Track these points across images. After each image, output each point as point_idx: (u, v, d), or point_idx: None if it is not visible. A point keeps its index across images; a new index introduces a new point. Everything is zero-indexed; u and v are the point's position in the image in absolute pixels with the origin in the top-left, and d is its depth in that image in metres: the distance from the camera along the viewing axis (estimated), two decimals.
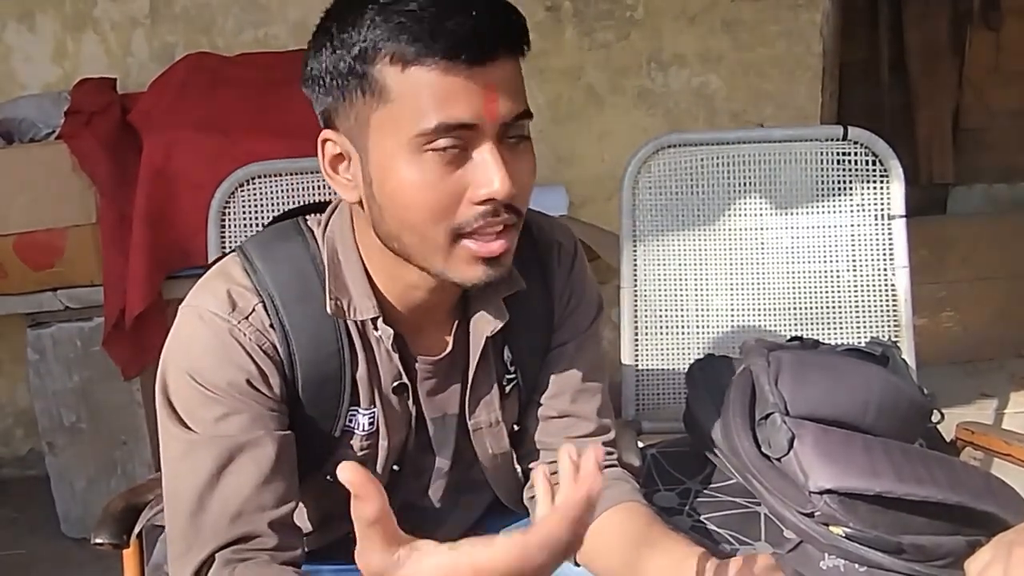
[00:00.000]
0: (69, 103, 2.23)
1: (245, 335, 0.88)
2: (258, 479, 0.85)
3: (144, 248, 2.02)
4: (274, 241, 0.95)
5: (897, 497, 1.07)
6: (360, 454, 0.96)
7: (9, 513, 2.43)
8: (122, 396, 2.20)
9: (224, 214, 1.48)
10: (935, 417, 1.34)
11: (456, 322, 0.97)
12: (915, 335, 1.60)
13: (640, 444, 1.44)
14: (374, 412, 0.95)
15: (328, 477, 0.97)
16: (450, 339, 0.97)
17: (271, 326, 0.89)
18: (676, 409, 1.54)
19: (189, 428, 0.87)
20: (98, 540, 1.11)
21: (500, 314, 0.96)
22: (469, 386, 0.98)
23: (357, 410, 0.94)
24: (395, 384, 0.94)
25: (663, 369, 1.61)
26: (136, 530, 1.13)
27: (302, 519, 1.02)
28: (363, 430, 0.95)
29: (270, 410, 0.88)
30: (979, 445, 1.31)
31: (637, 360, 1.62)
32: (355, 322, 0.92)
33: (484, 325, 0.95)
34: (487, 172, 0.80)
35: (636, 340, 1.61)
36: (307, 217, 0.97)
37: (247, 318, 0.88)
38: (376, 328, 0.92)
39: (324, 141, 0.87)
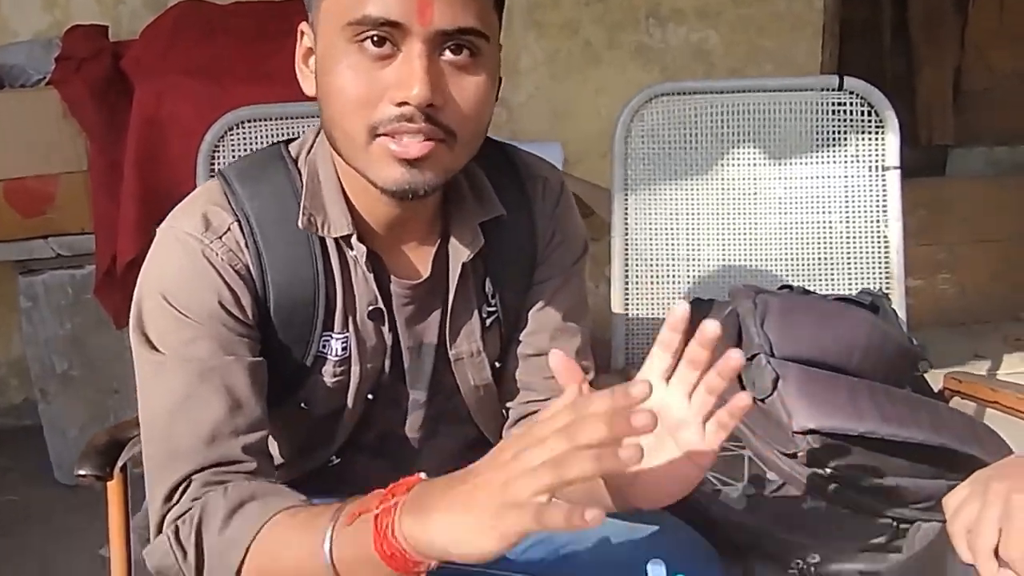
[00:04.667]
0: (60, 50, 2.21)
1: (217, 255, 0.87)
2: (229, 404, 0.85)
3: (135, 195, 2.01)
4: (254, 165, 0.94)
5: (880, 438, 1.07)
6: (332, 381, 0.95)
7: (3, 462, 2.44)
8: (114, 344, 2.20)
9: (213, 158, 1.47)
10: (923, 367, 1.34)
11: (435, 249, 0.96)
12: (911, 297, 1.59)
13: None
14: (347, 337, 0.94)
15: (302, 405, 0.97)
16: (428, 265, 0.96)
17: (245, 246, 0.88)
18: None
19: (160, 351, 0.86)
20: (81, 472, 1.11)
21: (476, 239, 0.95)
22: (449, 314, 0.97)
23: (331, 335, 0.94)
24: (370, 309, 0.94)
25: (653, 318, 1.61)
26: (120, 463, 1.13)
27: (275, 450, 1.02)
28: (336, 356, 0.94)
29: (240, 336, 0.88)
30: (966, 394, 1.30)
31: (627, 310, 1.61)
32: (332, 241, 0.91)
33: (461, 250, 0.95)
34: (407, 75, 0.79)
35: (626, 289, 1.61)
36: (290, 143, 0.97)
37: (220, 237, 0.88)
38: (351, 247, 0.91)
39: (301, 34, 0.88)
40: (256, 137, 1.47)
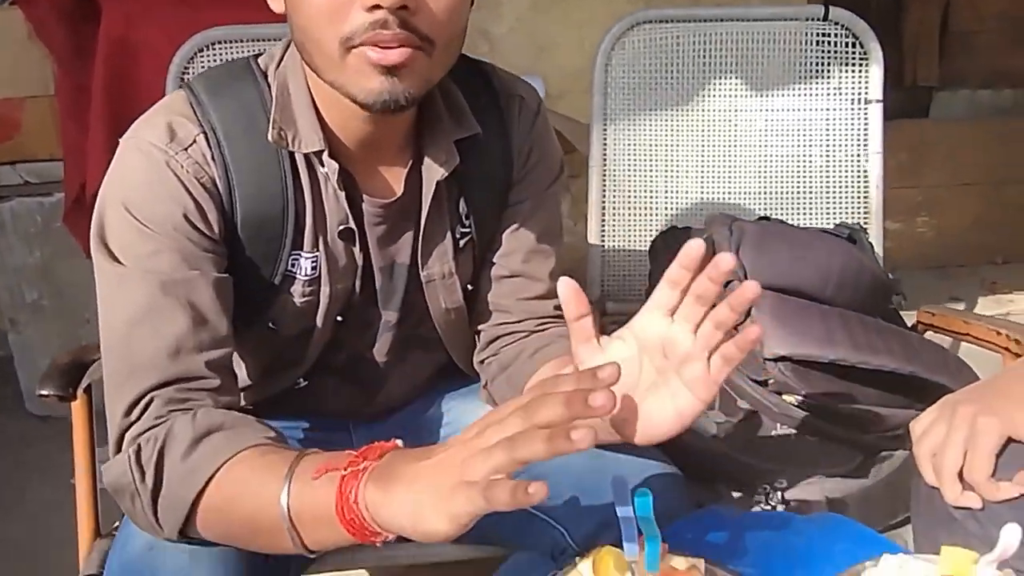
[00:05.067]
0: None
1: (183, 167, 0.85)
2: (193, 319, 0.83)
3: (103, 121, 1.95)
4: (222, 77, 0.91)
5: (851, 365, 1.07)
6: (301, 301, 0.94)
7: None
8: (84, 273, 2.13)
9: (183, 81, 1.43)
10: (897, 300, 1.34)
11: (409, 167, 0.94)
12: (890, 239, 1.59)
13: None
14: (317, 256, 0.92)
15: (270, 324, 0.95)
16: (401, 183, 0.93)
17: (212, 159, 0.86)
18: (641, 291, 1.53)
19: (122, 263, 0.84)
20: (43, 392, 1.10)
21: (451, 158, 0.93)
22: (422, 234, 0.95)
23: (300, 254, 0.92)
24: (341, 228, 0.91)
25: (630, 250, 1.60)
26: (83, 383, 1.12)
27: (242, 372, 1.00)
28: (305, 275, 0.92)
29: (205, 250, 0.85)
30: (939, 327, 1.30)
31: (604, 241, 1.60)
32: (302, 157, 0.89)
33: (435, 169, 0.92)
34: None
35: (603, 220, 1.59)
36: (259, 56, 0.93)
37: (186, 149, 0.85)
38: (322, 163, 0.88)
39: None
40: (226, 59, 1.43)
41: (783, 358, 1.07)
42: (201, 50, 1.44)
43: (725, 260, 0.74)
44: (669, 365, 0.77)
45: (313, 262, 0.92)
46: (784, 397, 1.10)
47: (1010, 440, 0.84)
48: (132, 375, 0.82)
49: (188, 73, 1.44)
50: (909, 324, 1.39)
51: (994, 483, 0.83)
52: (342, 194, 0.90)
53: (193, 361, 0.83)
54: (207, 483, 0.76)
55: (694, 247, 0.75)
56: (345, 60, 0.79)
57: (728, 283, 1.12)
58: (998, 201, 2.88)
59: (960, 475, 0.85)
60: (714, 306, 0.77)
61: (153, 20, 1.97)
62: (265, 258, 0.91)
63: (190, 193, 0.85)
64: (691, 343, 0.76)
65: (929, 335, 1.39)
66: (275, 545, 0.73)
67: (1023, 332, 1.15)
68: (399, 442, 0.72)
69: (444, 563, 1.13)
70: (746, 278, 1.12)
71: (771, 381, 1.09)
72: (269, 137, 0.86)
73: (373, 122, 0.87)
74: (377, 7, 0.76)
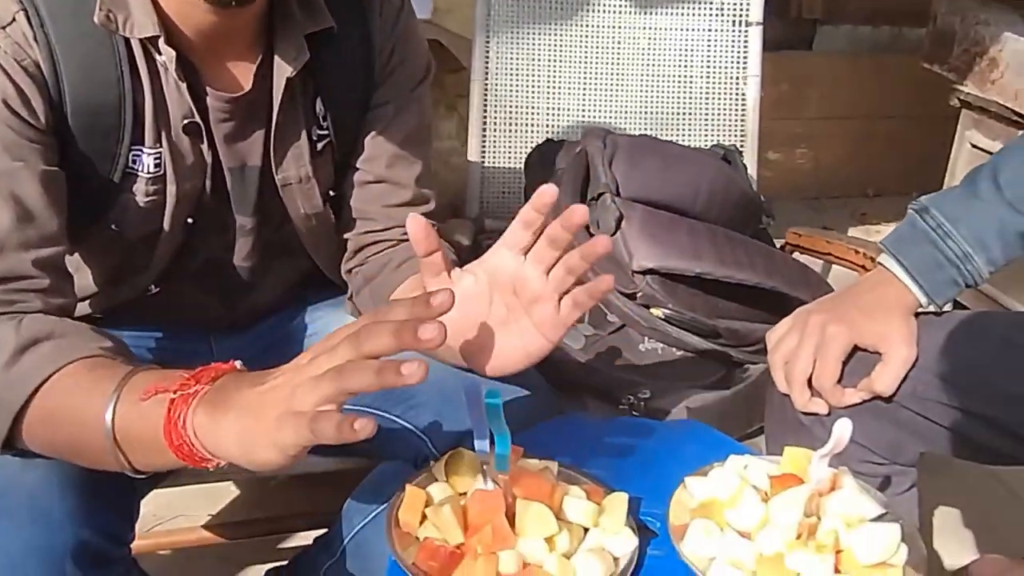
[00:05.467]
0: None
1: (1, 47, 0.77)
2: (18, 214, 0.77)
3: None
4: None
5: (716, 279, 1.09)
6: (146, 201, 0.88)
7: None
8: None
9: None
10: (767, 221, 1.37)
11: (259, 60, 0.88)
12: (769, 168, 1.62)
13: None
14: (160, 153, 0.86)
15: (113, 226, 0.89)
16: (250, 78, 0.88)
17: (34, 40, 0.78)
18: (519, 207, 1.52)
19: None
20: None
21: (302, 53, 0.88)
22: (273, 134, 0.90)
23: (141, 149, 0.86)
24: (185, 122, 0.86)
25: (509, 167, 1.58)
26: None
27: (86, 278, 0.94)
28: (148, 172, 0.87)
29: (30, 140, 0.78)
30: (805, 247, 1.34)
31: (483, 157, 1.57)
32: (138, 44, 0.82)
33: (285, 64, 0.87)
34: None
35: (484, 135, 1.56)
36: None
37: (4, 28, 0.77)
38: (159, 51, 0.82)
39: None
40: None
41: (651, 271, 1.08)
42: None
43: (579, 212, 0.74)
44: (519, 303, 0.77)
45: (156, 159, 0.86)
46: (652, 311, 1.11)
47: (856, 349, 0.87)
48: None
49: None
50: (779, 245, 1.43)
51: (840, 390, 0.87)
52: (183, 85, 0.84)
53: (18, 259, 0.76)
54: (32, 395, 0.71)
55: (547, 192, 0.74)
56: None
57: (600, 195, 1.13)
58: (872, 135, 2.97)
59: (810, 383, 0.88)
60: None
61: None
62: (102, 153, 0.84)
63: (10, 77, 0.77)
64: (542, 284, 0.76)
65: (796, 256, 1.43)
66: (101, 463, 0.70)
67: (879, 252, 1.19)
68: (238, 364, 0.69)
69: (310, 474, 1.12)
70: (618, 191, 1.11)
71: (639, 294, 1.10)
72: (96, 19, 0.79)
73: (214, 12, 0.81)
74: None
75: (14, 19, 0.78)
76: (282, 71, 0.88)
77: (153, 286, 0.97)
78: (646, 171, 1.14)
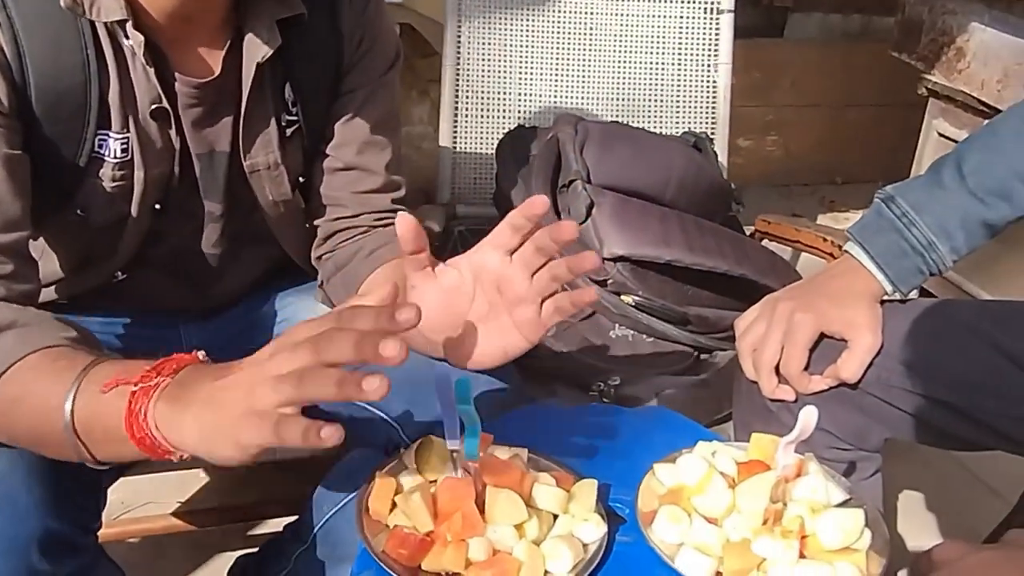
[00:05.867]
0: None
1: None
2: None
3: None
4: None
5: (686, 266, 1.09)
6: (112, 186, 0.87)
7: None
8: None
9: None
10: (736, 208, 1.38)
11: (228, 46, 0.87)
12: (740, 156, 1.63)
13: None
14: (128, 138, 0.85)
15: (79, 211, 0.88)
16: (218, 63, 0.87)
17: None
18: (491, 193, 1.52)
19: None
20: None
21: (272, 38, 0.87)
22: (243, 119, 0.89)
23: (107, 134, 0.84)
24: (153, 108, 0.85)
25: (481, 153, 1.57)
26: None
27: (52, 264, 0.93)
28: (114, 158, 0.85)
29: None
30: (773, 234, 1.35)
31: (455, 143, 1.57)
32: (104, 29, 0.81)
33: (256, 49, 0.86)
34: None
35: (455, 121, 1.56)
36: None
37: None
38: (127, 35, 0.81)
39: None
40: None
41: (622, 258, 1.08)
42: None
43: (568, 229, 0.74)
44: (501, 302, 0.77)
45: (123, 144, 0.85)
46: (622, 298, 1.12)
47: (823, 336, 0.88)
48: None
49: None
50: (748, 232, 1.44)
51: (806, 376, 0.88)
52: (151, 70, 0.82)
53: None
54: None
55: (538, 203, 0.74)
56: None
57: (571, 182, 1.13)
58: (841, 123, 3.00)
59: (777, 369, 0.89)
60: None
61: None
62: (67, 137, 0.83)
63: None
64: (526, 287, 0.76)
65: (766, 243, 1.45)
66: (61, 454, 0.69)
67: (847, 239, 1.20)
68: (201, 355, 0.68)
69: (280, 461, 1.11)
70: (588, 178, 1.12)
71: (610, 281, 1.10)
72: (62, 2, 0.78)
73: None
74: None
75: None
76: (252, 56, 0.87)
77: (120, 272, 0.96)
78: (618, 158, 1.14)
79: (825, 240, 1.21)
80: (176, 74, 0.85)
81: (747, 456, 0.72)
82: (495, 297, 0.78)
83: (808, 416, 0.66)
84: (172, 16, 0.82)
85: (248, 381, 0.61)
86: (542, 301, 0.77)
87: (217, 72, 0.87)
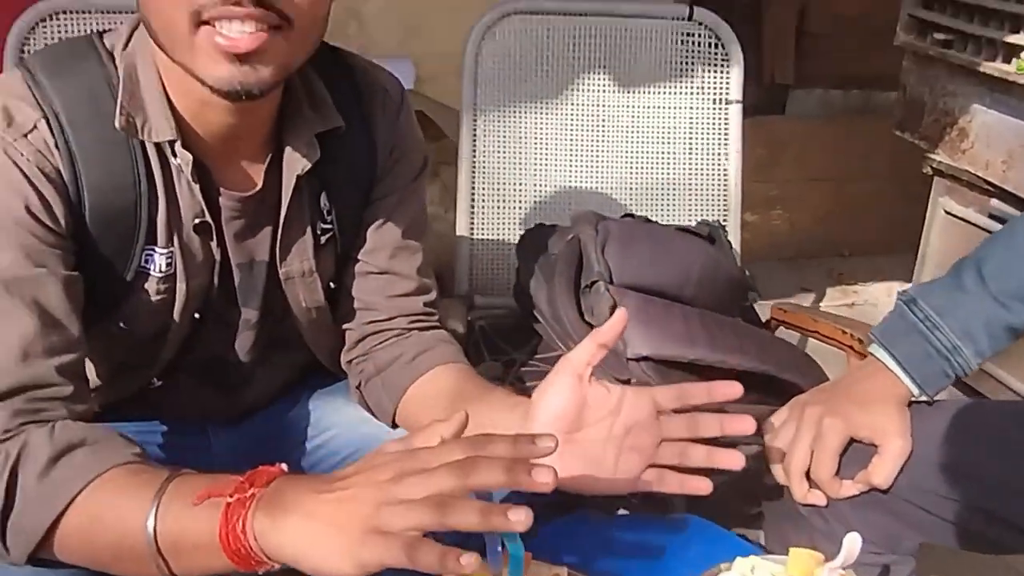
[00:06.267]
0: None
1: (23, 155, 0.78)
2: (41, 320, 0.77)
3: None
4: (63, 56, 0.84)
5: (709, 364, 1.10)
6: (156, 299, 0.89)
7: None
8: None
9: (23, 54, 1.33)
10: (753, 297, 1.39)
11: (268, 159, 0.90)
12: (746, 231, 1.65)
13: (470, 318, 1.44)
14: (172, 252, 0.87)
15: (121, 324, 0.90)
16: (260, 177, 0.90)
17: (55, 147, 0.80)
18: (509, 285, 1.53)
19: None
20: None
21: (312, 151, 0.89)
22: (280, 230, 0.91)
23: (154, 249, 0.87)
24: (197, 222, 0.87)
25: (498, 243, 1.59)
26: None
27: (91, 373, 0.94)
28: (159, 271, 0.88)
29: (51, 246, 0.79)
30: (790, 323, 1.36)
31: (472, 233, 1.59)
32: (154, 148, 0.84)
33: (296, 162, 0.89)
34: None
35: (472, 213, 1.58)
36: (104, 34, 0.87)
37: (26, 136, 0.79)
38: (175, 154, 0.83)
39: None
40: (72, 31, 1.34)
41: (645, 358, 1.09)
42: (43, 20, 1.34)
43: (744, 423, 0.83)
44: (619, 443, 0.80)
45: (168, 258, 0.87)
46: None
47: (853, 440, 0.89)
48: None
49: (28, 46, 1.34)
50: (764, 319, 1.45)
51: (837, 481, 0.88)
52: (196, 187, 0.85)
53: (43, 366, 0.76)
54: (68, 505, 0.70)
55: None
56: (195, 39, 0.75)
57: (593, 283, 1.15)
58: (845, 197, 3.04)
59: (807, 474, 0.89)
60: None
61: None
62: (117, 253, 0.85)
63: (33, 184, 0.78)
64: (652, 447, 0.80)
65: (781, 331, 1.46)
66: (139, 571, 0.69)
67: (866, 333, 1.21)
68: (284, 467, 0.69)
69: None
70: (611, 279, 1.13)
71: (633, 381, 1.11)
72: (116, 124, 0.81)
73: (228, 111, 0.83)
74: None
75: (35, 127, 0.79)
76: (292, 169, 0.89)
77: (156, 380, 0.97)
78: (638, 258, 1.16)
79: (844, 333, 1.22)
80: (220, 189, 0.88)
81: (787, 572, 0.72)
82: (619, 434, 0.80)
83: (852, 543, 0.67)
84: (218, 133, 0.85)
85: (370, 500, 0.61)
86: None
87: (259, 186, 0.90)
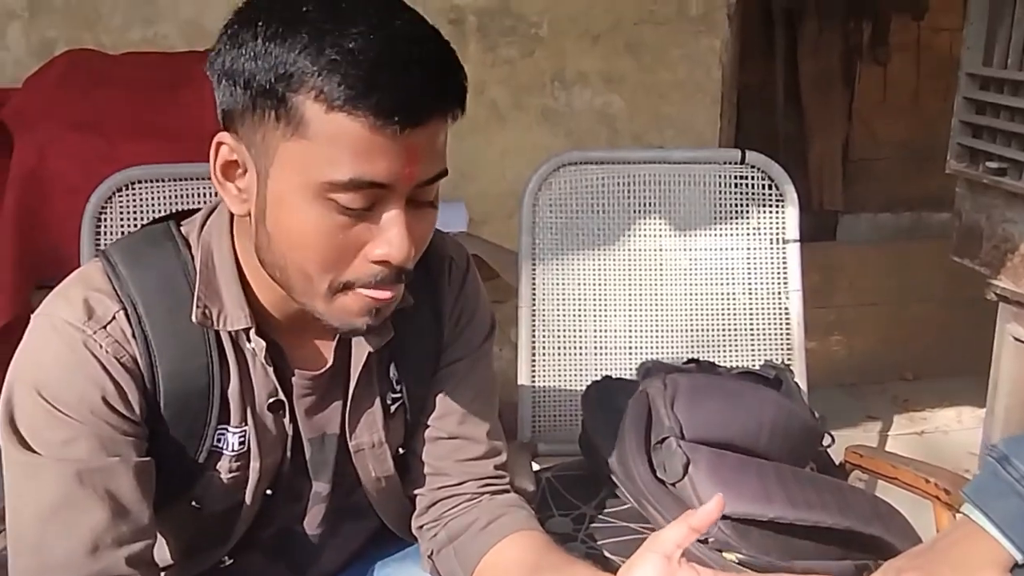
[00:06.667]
0: None
1: (101, 347, 0.80)
2: (112, 510, 0.78)
3: (12, 255, 1.88)
4: (142, 246, 0.87)
5: (789, 522, 1.07)
6: (228, 478, 0.89)
7: None
8: None
9: (100, 220, 1.39)
10: (826, 440, 1.36)
11: (338, 335, 0.91)
12: (806, 357, 1.62)
13: (535, 467, 1.41)
14: (245, 431, 0.88)
15: (193, 503, 0.90)
16: (331, 353, 0.91)
17: (132, 336, 0.82)
18: (572, 431, 1.51)
19: (33, 451, 0.78)
20: None
21: (384, 329, 0.91)
22: (350, 404, 0.92)
23: (226, 428, 0.87)
24: (270, 401, 0.88)
25: (560, 390, 1.59)
26: None
27: (163, 551, 0.94)
28: (232, 450, 0.88)
29: (125, 434, 0.81)
30: (867, 468, 1.32)
31: (534, 380, 1.59)
32: (228, 333, 0.85)
33: (368, 340, 0.90)
34: (389, 236, 0.76)
35: (533, 360, 1.58)
36: (182, 221, 0.90)
37: (105, 327, 0.81)
38: (249, 339, 0.85)
39: (220, 144, 0.79)
40: (146, 199, 1.40)
41: (722, 516, 1.05)
42: (119, 190, 1.40)
43: None
44: None
45: (241, 437, 0.88)
46: (724, 554, 1.08)
47: None
48: None
49: (105, 213, 1.40)
50: (837, 460, 1.41)
51: None
52: (270, 368, 0.87)
53: (112, 557, 0.77)
54: None
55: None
56: (335, 297, 0.78)
57: (664, 439, 1.13)
58: (904, 320, 3.00)
59: None
60: None
61: (67, 152, 1.93)
62: (189, 435, 0.86)
63: (109, 374, 0.80)
64: None
65: (856, 473, 1.41)
66: None
67: (951, 481, 1.17)
68: None
69: None
70: (682, 434, 1.11)
71: (711, 539, 1.07)
72: (193, 318, 0.83)
73: None
74: (386, 262, 0.76)
75: (114, 317, 0.82)
76: (362, 347, 0.91)
77: (227, 558, 0.97)
78: (709, 412, 1.15)
79: (928, 482, 1.18)
80: (293, 369, 0.89)
81: None
82: None
83: None
84: (293, 319, 0.87)
85: None
86: None
87: (329, 362, 0.91)
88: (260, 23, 0.73)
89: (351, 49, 0.70)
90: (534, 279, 1.59)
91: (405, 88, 0.71)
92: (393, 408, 0.96)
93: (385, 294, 0.78)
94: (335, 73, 0.70)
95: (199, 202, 1.38)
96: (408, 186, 0.75)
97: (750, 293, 1.61)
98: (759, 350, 1.59)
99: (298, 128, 0.73)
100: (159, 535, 0.94)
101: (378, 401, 0.95)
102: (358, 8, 0.72)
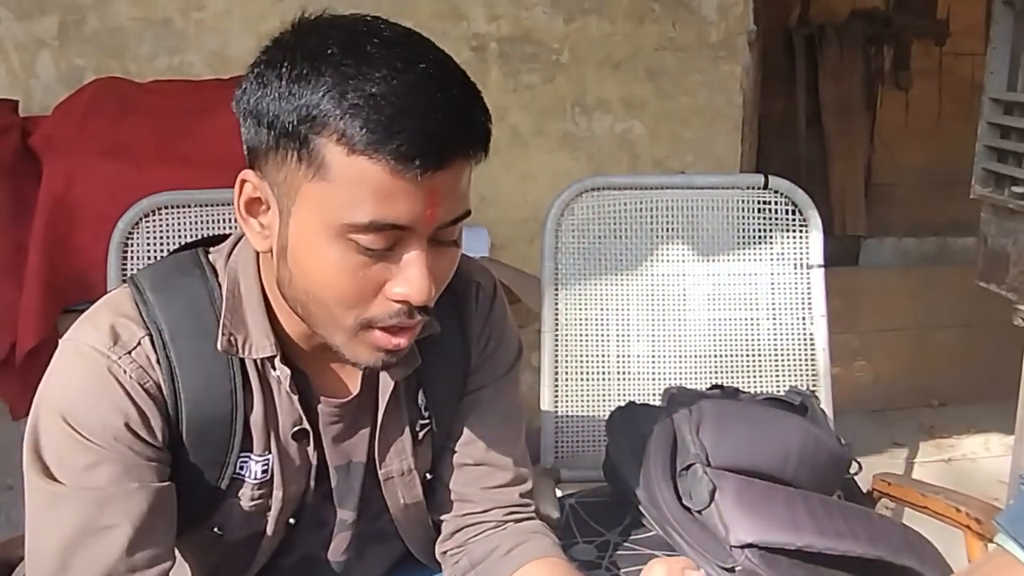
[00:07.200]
0: None
1: (126, 372, 0.81)
2: (129, 537, 0.78)
3: (40, 279, 1.90)
4: (169, 273, 0.88)
5: (818, 551, 1.05)
6: (251, 506, 0.89)
7: None
8: (9, 436, 2.05)
9: (127, 245, 1.41)
10: (853, 468, 1.34)
11: None
12: (831, 384, 1.61)
13: (558, 493, 1.41)
14: (268, 459, 0.88)
15: (216, 530, 0.90)
16: (358, 381, 0.91)
17: (157, 362, 0.82)
18: (596, 456, 1.50)
19: (55, 480, 0.79)
20: None
21: (412, 357, 0.90)
22: (378, 432, 0.92)
23: (249, 456, 0.87)
24: (295, 430, 0.88)
25: (583, 415, 1.58)
26: None
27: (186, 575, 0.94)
28: (255, 479, 0.88)
29: (148, 459, 0.81)
30: (895, 497, 1.30)
31: (557, 406, 1.58)
32: (253, 360, 0.86)
33: (395, 368, 0.90)
34: (409, 276, 0.76)
35: (556, 385, 1.58)
36: (209, 249, 0.91)
37: (130, 352, 0.81)
38: (274, 367, 0.85)
39: (244, 181, 0.79)
40: (173, 224, 1.41)
41: (750, 545, 1.05)
42: (146, 216, 1.42)
43: None
44: None
45: (264, 465, 0.88)
46: None
47: None
48: None
49: (132, 239, 1.41)
50: (864, 488, 1.39)
51: None
52: (295, 396, 0.87)
53: None
54: None
55: None
56: (357, 334, 0.79)
57: (690, 465, 1.12)
58: (929, 345, 2.97)
59: None
60: None
61: (95, 178, 1.95)
62: (212, 462, 0.86)
63: (133, 400, 0.81)
64: None
65: (884, 502, 1.39)
66: None
67: (982, 510, 1.15)
68: None
69: None
70: (708, 461, 1.10)
71: (738, 568, 1.06)
72: (219, 346, 0.83)
73: None
74: (406, 302, 0.77)
75: (139, 343, 0.82)
76: (390, 374, 0.90)
77: None
78: (734, 438, 1.14)
79: (959, 511, 1.16)
80: (319, 396, 0.89)
81: None
82: None
83: None
84: (319, 347, 0.86)
85: None
86: None
87: (356, 390, 0.90)
88: (285, 64, 0.73)
89: (373, 94, 0.70)
90: (557, 304, 1.59)
91: (425, 132, 0.71)
92: (421, 434, 0.96)
93: (401, 341, 0.79)
94: (357, 117, 0.70)
95: (225, 228, 1.39)
96: (429, 228, 0.76)
97: (774, 319, 1.59)
98: (784, 376, 1.58)
99: (319, 170, 0.73)
100: (183, 560, 0.95)
101: (407, 428, 0.94)
102: (382, 51, 0.72)
